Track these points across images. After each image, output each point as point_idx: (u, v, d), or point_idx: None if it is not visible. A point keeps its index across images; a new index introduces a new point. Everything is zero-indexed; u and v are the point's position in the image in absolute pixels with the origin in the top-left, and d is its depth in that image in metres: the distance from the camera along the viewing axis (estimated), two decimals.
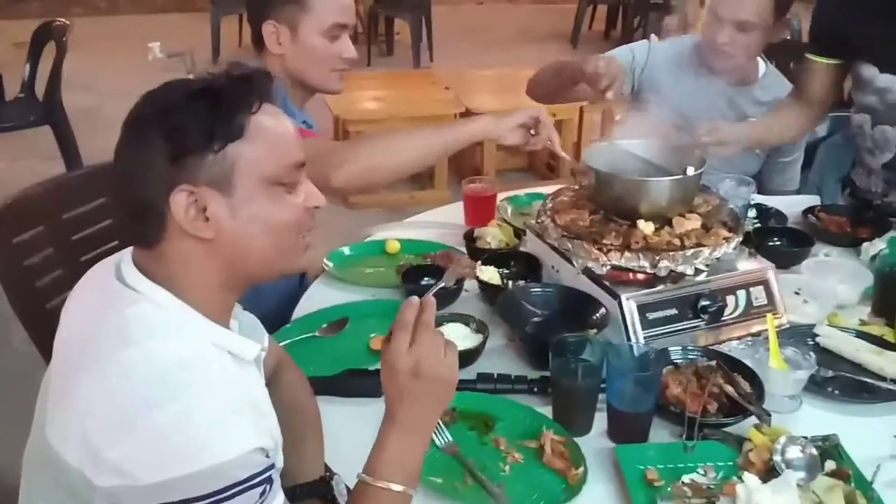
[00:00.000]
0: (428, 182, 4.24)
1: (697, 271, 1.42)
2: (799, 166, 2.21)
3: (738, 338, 1.44)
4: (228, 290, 0.94)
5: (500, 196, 1.97)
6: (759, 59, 2.10)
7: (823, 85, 1.92)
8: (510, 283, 1.57)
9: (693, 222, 1.48)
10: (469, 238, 1.77)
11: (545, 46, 7.01)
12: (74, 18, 3.83)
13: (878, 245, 1.70)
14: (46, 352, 1.02)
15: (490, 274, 1.59)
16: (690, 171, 1.45)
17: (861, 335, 1.42)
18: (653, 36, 2.24)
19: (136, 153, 0.89)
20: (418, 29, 6.18)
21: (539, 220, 1.58)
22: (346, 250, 1.77)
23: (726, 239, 1.44)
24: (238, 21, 6.29)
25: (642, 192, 1.46)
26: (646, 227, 1.45)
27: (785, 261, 1.65)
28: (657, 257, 1.40)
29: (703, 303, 1.41)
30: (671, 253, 1.40)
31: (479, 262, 1.61)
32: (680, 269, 1.41)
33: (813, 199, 2.02)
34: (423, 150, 1.56)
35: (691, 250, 1.41)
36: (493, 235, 1.77)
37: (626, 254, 1.41)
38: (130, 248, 0.94)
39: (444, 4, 7.32)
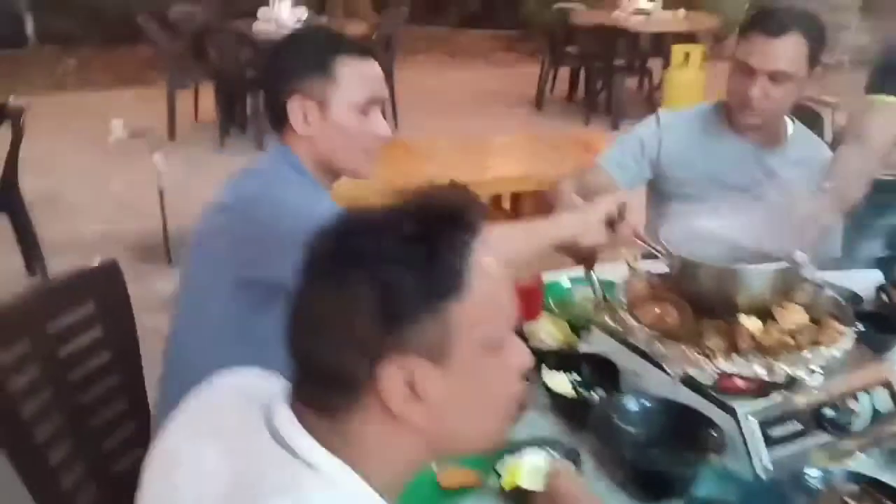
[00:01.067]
0: None
1: (811, 374, 1.22)
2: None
3: (862, 449, 1.23)
4: (416, 470, 0.75)
5: None
6: (785, 116, 1.96)
7: (888, 127, 1.76)
8: (588, 392, 1.35)
9: (798, 314, 1.29)
10: (519, 336, 1.55)
11: (511, 111, 6.95)
12: (19, 98, 3.54)
13: None
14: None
15: (559, 382, 1.37)
16: (799, 255, 1.26)
17: None
18: (660, 111, 2.10)
19: (334, 307, 0.69)
20: None
21: (616, 317, 1.37)
22: None
23: (840, 333, 1.25)
24: (193, 95, 6.06)
25: (743, 282, 1.27)
26: (751, 323, 1.25)
27: (876, 349, 1.47)
28: (773, 360, 1.20)
29: (828, 413, 1.21)
30: (787, 354, 1.20)
31: (544, 367, 1.38)
32: (797, 373, 1.21)
33: (873, 273, 1.86)
34: (517, 249, 1.32)
35: (808, 351, 1.21)
36: (546, 332, 1.55)
37: (736, 357, 1.21)
38: (280, 395, 0.74)
39: (402, 72, 7.24)
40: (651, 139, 1.97)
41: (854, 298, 1.67)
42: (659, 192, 2.02)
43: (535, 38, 8.28)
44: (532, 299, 1.68)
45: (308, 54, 1.43)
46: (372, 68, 1.45)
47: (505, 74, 8.25)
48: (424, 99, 7.15)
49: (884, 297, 1.70)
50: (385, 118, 1.50)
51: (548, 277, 1.83)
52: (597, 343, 1.45)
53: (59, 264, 3.18)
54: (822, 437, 1.21)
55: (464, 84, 7.89)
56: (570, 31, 6.95)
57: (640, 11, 6.72)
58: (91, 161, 5.12)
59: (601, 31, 6.51)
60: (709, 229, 1.39)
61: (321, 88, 1.40)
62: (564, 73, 7.13)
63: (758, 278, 1.26)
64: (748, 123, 1.85)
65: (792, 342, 1.23)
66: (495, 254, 1.25)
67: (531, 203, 4.28)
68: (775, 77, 1.76)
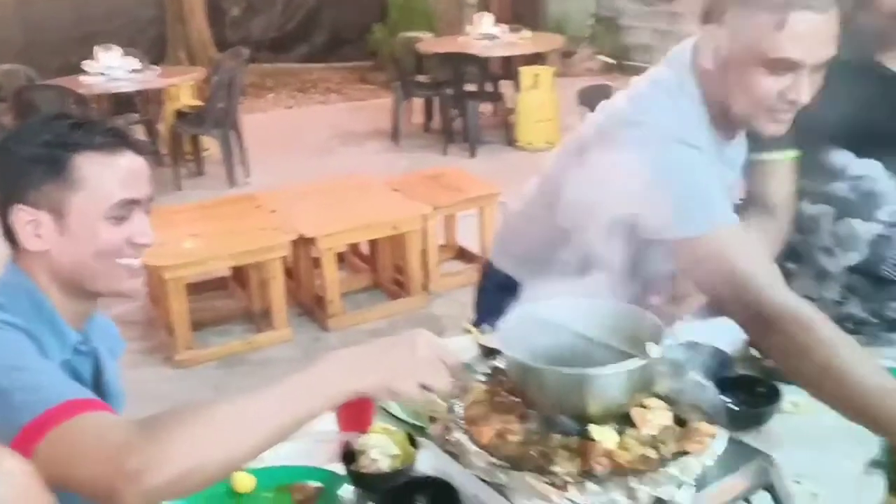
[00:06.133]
0: (263, 321, 3.67)
1: (680, 489, 1.02)
2: None
3: None
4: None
5: None
6: None
7: (784, 185, 1.53)
8: None
9: (660, 415, 1.09)
10: (349, 459, 1.28)
11: (366, 146, 6.71)
12: None
13: None
14: None
15: None
16: (654, 350, 1.06)
17: None
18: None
19: None
20: (228, 144, 5.65)
21: (450, 438, 1.12)
22: None
23: (712, 436, 1.05)
24: None
25: (591, 388, 1.05)
26: (606, 437, 1.04)
27: (747, 425, 1.30)
28: (634, 484, 0.98)
29: None
30: (650, 475, 0.99)
31: None
32: (663, 493, 1.00)
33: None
34: (276, 424, 0.96)
35: (675, 465, 1.01)
36: (380, 449, 1.29)
37: (590, 485, 0.99)
38: None
39: (250, 113, 6.86)
40: None
41: (721, 361, 1.50)
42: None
43: (386, 69, 8.12)
44: (364, 405, 1.42)
45: (36, 154, 1.12)
46: (128, 162, 1.16)
47: (360, 108, 8.02)
48: (277, 140, 6.82)
49: (753, 352, 1.54)
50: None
51: None
52: (433, 462, 1.20)
53: None
54: None
55: (317, 121, 7.61)
56: (420, 60, 6.82)
57: (486, 36, 6.68)
58: None
59: (449, 58, 6.41)
60: (554, 320, 1.18)
61: (55, 195, 1.10)
62: (419, 102, 6.98)
63: (610, 383, 1.05)
64: (770, 130, 1.33)
65: (655, 455, 1.02)
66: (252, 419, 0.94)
67: (389, 247, 4.05)
68: (820, 69, 1.27)
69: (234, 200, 4.33)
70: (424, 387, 1.03)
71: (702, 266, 1.28)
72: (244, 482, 1.28)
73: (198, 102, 5.97)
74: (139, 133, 5.89)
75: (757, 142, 1.46)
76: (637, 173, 1.22)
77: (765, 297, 1.19)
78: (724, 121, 1.37)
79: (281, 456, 1.32)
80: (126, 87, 5.67)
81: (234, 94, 5.67)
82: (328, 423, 1.42)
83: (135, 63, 5.75)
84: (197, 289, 3.77)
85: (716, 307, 1.31)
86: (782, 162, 1.52)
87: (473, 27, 6.86)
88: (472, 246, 4.26)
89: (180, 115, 5.81)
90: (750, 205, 1.55)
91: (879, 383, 1.10)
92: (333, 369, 1.00)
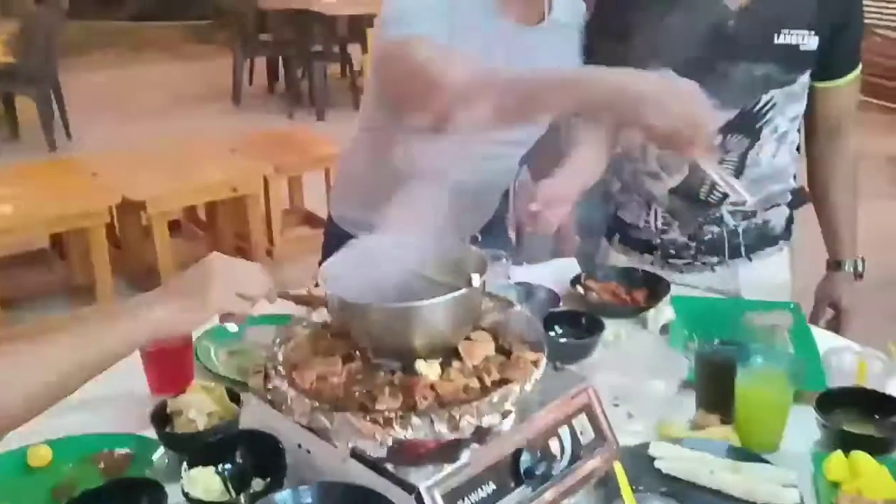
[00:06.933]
0: (87, 293, 3.39)
1: (503, 419, 1.01)
2: None
3: (571, 492, 1.06)
4: None
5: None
6: None
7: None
8: (241, 497, 1.03)
9: (485, 345, 1.07)
10: (160, 421, 1.18)
11: (205, 109, 6.38)
12: None
13: (665, 312, 1.46)
14: None
15: (205, 483, 1.04)
16: (476, 279, 1.04)
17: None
18: None
19: None
20: (48, 105, 5.19)
21: (270, 385, 1.06)
22: None
23: (534, 363, 1.05)
24: None
25: (415, 321, 1.02)
26: (429, 370, 1.01)
27: (574, 356, 1.33)
28: (457, 414, 0.96)
29: (526, 462, 1.00)
30: (473, 404, 0.98)
31: (185, 465, 1.05)
32: (486, 422, 0.99)
33: (569, 263, 1.75)
34: (76, 361, 0.90)
35: (497, 393, 1.00)
36: (197, 408, 1.20)
37: (414, 419, 0.96)
38: None
39: (73, 72, 6.32)
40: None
41: (548, 298, 1.53)
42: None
43: (229, 28, 7.73)
44: (178, 364, 1.33)
45: None
46: None
47: (199, 69, 7.60)
48: (105, 103, 6.35)
49: (580, 290, 1.58)
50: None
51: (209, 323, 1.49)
52: (257, 413, 1.14)
53: None
54: (526, 492, 1.01)
55: (152, 83, 7.14)
56: (263, 18, 6.53)
57: None
58: None
59: (294, 16, 6.16)
60: (379, 256, 1.14)
61: None
62: (263, 63, 6.71)
63: (432, 314, 1.02)
64: None
65: (478, 385, 1.01)
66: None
67: (229, 212, 3.87)
68: None
69: (52, 165, 4.00)
70: (241, 295, 0.99)
71: (389, 68, 1.36)
72: (40, 455, 1.16)
73: (10, 60, 5.43)
74: None
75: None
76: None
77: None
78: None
79: (87, 425, 1.21)
80: None
81: (51, 50, 5.20)
82: (139, 386, 1.32)
83: None
84: (12, 262, 3.44)
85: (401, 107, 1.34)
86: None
87: None
88: (321, 210, 4.15)
89: None
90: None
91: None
92: (128, 307, 0.94)
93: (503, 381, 1.02)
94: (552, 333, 1.40)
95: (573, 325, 1.41)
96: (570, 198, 1.43)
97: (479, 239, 1.48)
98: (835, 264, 1.65)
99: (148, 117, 6.07)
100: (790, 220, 1.68)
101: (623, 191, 1.69)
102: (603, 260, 1.76)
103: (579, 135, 1.54)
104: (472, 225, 1.63)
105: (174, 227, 3.80)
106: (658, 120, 1.15)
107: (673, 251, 1.64)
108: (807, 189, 1.68)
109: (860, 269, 1.64)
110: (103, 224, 3.26)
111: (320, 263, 1.77)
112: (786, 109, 1.53)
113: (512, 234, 1.86)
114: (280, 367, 1.06)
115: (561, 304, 1.52)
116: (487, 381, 1.01)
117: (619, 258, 1.72)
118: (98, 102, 6.25)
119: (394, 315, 1.02)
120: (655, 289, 1.54)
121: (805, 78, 1.52)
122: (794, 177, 1.65)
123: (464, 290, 1.02)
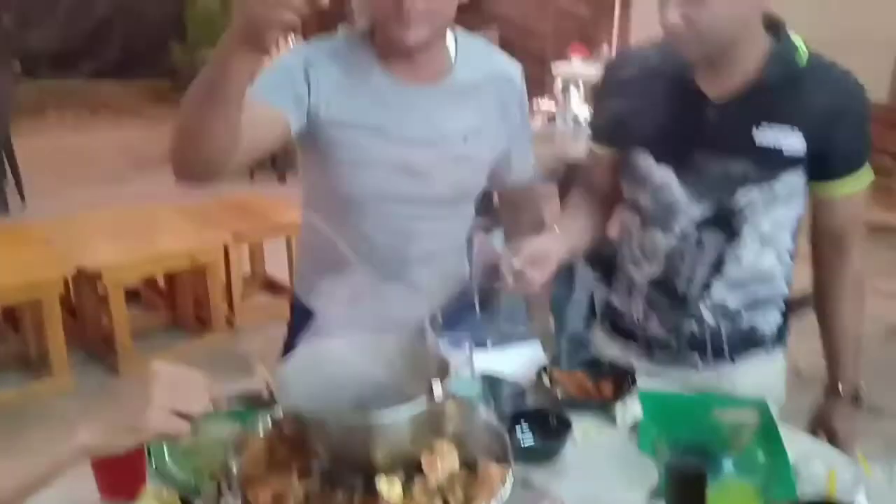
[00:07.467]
0: (42, 366, 3.26)
1: None
2: None
3: None
4: None
5: None
6: (448, 31, 1.49)
7: (608, 177, 1.56)
8: None
9: (449, 457, 1.03)
10: None
11: (164, 172, 6.22)
12: None
13: (632, 407, 1.42)
14: None
15: None
16: (437, 388, 1.00)
17: None
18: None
19: None
20: (0, 167, 5.08)
21: (223, 503, 1.01)
22: None
23: (501, 480, 1.01)
24: None
25: (374, 436, 0.98)
26: (391, 489, 0.97)
27: (541, 459, 1.28)
28: None
29: None
30: None
31: None
32: None
33: (533, 348, 1.70)
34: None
35: None
36: None
37: None
38: None
39: (27, 133, 6.21)
40: (298, 70, 1.41)
41: (514, 394, 1.49)
42: (322, 158, 1.49)
43: (187, 89, 7.69)
44: (129, 468, 1.26)
45: None
46: None
47: (157, 131, 7.51)
48: (61, 166, 6.23)
49: (545, 381, 1.54)
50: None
51: None
52: None
53: None
54: None
55: (109, 144, 7.05)
56: None
57: None
58: None
59: None
60: (337, 358, 1.10)
61: None
62: None
63: (394, 428, 0.98)
64: (405, 38, 1.35)
65: None
66: None
67: (189, 281, 3.78)
68: None
69: (3, 231, 3.87)
70: (180, 414, 0.94)
71: None
72: None
73: None
74: None
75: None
76: None
77: None
78: (388, 54, 1.43)
79: None
80: None
81: (3, 111, 5.11)
82: (87, 493, 1.24)
83: None
84: None
85: None
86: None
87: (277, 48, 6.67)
88: (283, 276, 4.08)
89: None
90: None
91: None
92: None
93: (468, 501, 0.98)
94: (518, 432, 1.36)
95: (540, 424, 1.37)
96: (557, 259, 1.39)
97: (441, 319, 1.44)
98: (832, 389, 1.52)
99: (105, 181, 5.97)
100: (782, 328, 1.54)
101: (610, 273, 1.64)
102: (589, 344, 1.71)
103: (573, 201, 1.58)
104: (442, 292, 1.57)
105: (133, 295, 3.70)
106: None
107: (657, 349, 1.56)
108: (810, 299, 1.54)
109: (861, 396, 1.50)
110: (57, 295, 3.15)
111: (285, 343, 1.74)
112: (770, 210, 1.41)
113: (476, 303, 1.78)
114: (233, 483, 1.01)
115: (526, 396, 1.49)
116: (453, 502, 0.97)
117: (608, 344, 1.65)
118: (53, 165, 6.13)
119: (352, 429, 0.98)
120: (621, 381, 1.51)
121: (790, 179, 1.39)
122: (789, 284, 1.53)
123: (425, 404, 0.99)
